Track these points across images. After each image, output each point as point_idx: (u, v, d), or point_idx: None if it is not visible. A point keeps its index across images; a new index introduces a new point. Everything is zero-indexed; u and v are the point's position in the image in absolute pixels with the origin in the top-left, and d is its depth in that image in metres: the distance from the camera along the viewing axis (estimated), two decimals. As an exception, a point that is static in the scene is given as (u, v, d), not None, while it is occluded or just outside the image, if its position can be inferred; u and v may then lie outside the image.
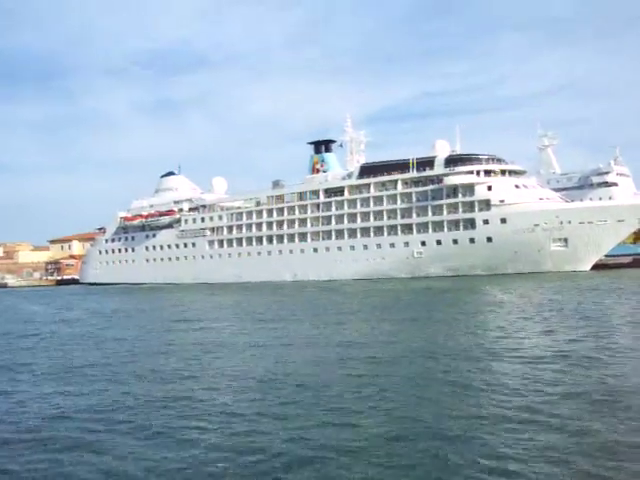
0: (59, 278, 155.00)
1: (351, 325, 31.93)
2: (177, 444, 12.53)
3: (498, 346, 22.48)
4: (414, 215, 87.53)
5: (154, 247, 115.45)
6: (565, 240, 78.36)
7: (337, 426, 13.23)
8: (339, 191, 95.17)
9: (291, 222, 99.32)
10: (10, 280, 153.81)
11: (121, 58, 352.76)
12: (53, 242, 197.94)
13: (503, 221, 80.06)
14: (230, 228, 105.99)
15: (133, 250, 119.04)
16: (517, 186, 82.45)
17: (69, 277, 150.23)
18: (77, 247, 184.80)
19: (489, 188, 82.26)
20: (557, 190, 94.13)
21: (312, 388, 16.90)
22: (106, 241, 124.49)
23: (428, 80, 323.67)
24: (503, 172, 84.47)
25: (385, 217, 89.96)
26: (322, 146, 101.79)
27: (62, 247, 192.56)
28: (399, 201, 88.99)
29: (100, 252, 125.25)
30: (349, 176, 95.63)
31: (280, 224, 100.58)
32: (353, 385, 17.06)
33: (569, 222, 77.74)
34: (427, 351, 22.13)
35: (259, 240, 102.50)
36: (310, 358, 21.86)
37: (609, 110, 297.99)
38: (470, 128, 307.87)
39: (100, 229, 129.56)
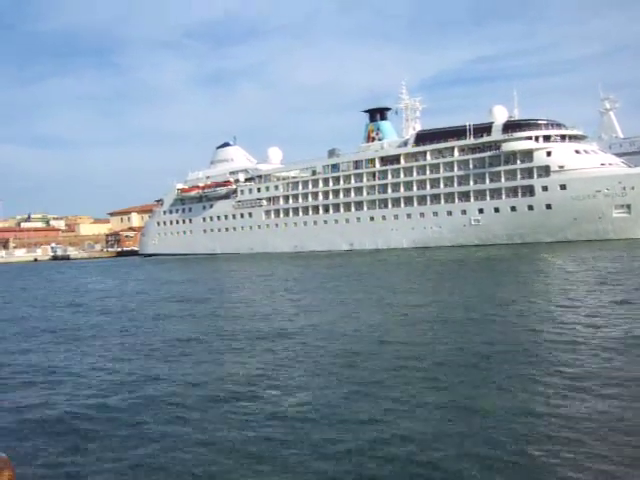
0: (119, 250, 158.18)
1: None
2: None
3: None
4: (471, 182, 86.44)
5: (211, 218, 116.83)
6: (628, 206, 76.00)
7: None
8: (395, 159, 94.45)
9: (347, 191, 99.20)
10: (72, 252, 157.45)
11: (173, 31, 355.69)
12: (113, 214, 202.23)
13: (563, 187, 78.33)
14: (286, 198, 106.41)
15: (190, 221, 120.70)
16: (577, 151, 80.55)
17: (129, 249, 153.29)
18: (136, 219, 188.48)
19: (548, 154, 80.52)
20: (620, 155, 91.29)
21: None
22: (164, 213, 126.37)
23: (481, 44, 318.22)
24: (563, 137, 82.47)
25: (442, 185, 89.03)
26: (377, 114, 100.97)
27: (121, 219, 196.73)
28: (456, 168, 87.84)
29: (158, 223, 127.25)
30: (405, 144, 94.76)
31: (336, 193, 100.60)
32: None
33: (632, 188, 75.32)
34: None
35: (315, 209, 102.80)
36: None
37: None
38: (527, 93, 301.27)
39: (158, 201, 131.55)
